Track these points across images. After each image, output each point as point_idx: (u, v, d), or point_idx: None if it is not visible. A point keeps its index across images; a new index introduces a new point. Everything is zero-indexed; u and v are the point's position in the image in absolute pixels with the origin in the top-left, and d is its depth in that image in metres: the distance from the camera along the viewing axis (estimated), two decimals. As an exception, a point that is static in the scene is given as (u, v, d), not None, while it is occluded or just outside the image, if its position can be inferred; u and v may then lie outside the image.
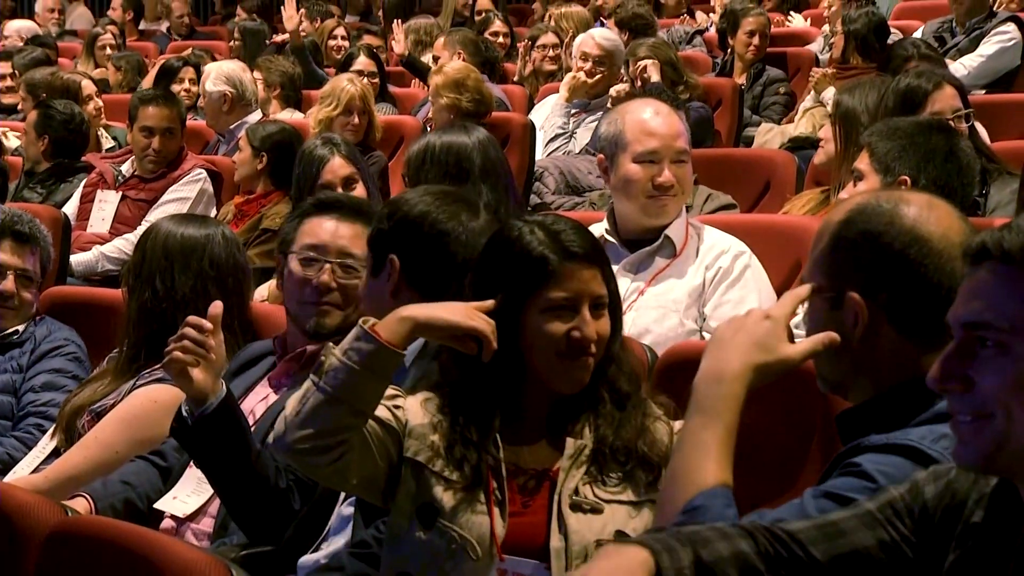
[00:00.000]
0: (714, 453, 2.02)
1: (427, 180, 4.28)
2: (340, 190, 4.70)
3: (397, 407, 2.54)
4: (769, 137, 7.05)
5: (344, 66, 8.01)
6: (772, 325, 2.11)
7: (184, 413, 2.96)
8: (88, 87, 7.64)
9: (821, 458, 2.83)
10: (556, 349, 2.50)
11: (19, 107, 8.20)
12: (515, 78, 8.41)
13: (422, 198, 2.97)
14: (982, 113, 5.27)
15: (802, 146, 6.31)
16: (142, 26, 12.54)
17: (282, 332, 3.44)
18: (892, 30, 7.61)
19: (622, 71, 7.06)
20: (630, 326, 3.64)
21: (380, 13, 11.56)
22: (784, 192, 5.37)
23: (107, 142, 7.63)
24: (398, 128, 6.99)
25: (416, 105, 7.91)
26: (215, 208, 6.25)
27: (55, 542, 2.66)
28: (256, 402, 3.34)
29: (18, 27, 11.03)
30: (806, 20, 9.81)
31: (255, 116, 7.20)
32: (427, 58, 8.67)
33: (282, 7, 9.42)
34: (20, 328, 4.17)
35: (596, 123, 6.27)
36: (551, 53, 8.35)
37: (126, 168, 6.46)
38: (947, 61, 7.31)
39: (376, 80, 7.80)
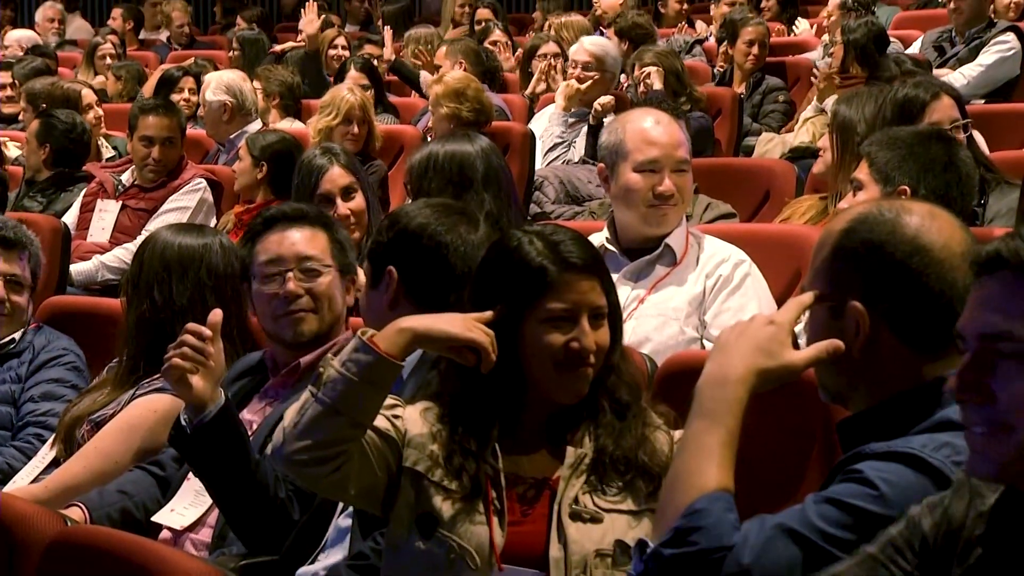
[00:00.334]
0: (716, 457, 2.02)
1: (430, 188, 4.28)
2: (339, 199, 4.70)
3: (396, 417, 2.53)
4: (770, 147, 7.04)
5: (340, 77, 8.00)
6: (776, 330, 2.11)
7: (183, 422, 2.95)
8: (88, 96, 7.63)
9: (822, 466, 2.82)
10: (555, 360, 2.50)
11: (20, 117, 8.19)
12: (526, 93, 8.29)
13: (421, 210, 2.98)
14: (981, 123, 5.27)
15: (802, 155, 6.31)
16: (142, 36, 12.56)
17: (270, 349, 3.44)
18: (892, 40, 7.61)
19: (622, 77, 7.04)
20: (630, 334, 3.64)
21: (380, 22, 11.57)
22: (783, 202, 5.36)
23: (107, 151, 7.62)
24: (398, 137, 6.99)
25: (416, 115, 7.91)
26: (215, 217, 6.25)
27: (55, 552, 2.66)
28: (251, 415, 3.33)
29: (18, 37, 11.02)
30: (812, 28, 9.82)
31: (255, 125, 7.20)
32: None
33: (283, 17, 9.43)
34: (17, 336, 4.15)
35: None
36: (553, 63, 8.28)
37: (126, 177, 6.45)
38: (946, 71, 7.33)
39: (369, 92, 7.77)
